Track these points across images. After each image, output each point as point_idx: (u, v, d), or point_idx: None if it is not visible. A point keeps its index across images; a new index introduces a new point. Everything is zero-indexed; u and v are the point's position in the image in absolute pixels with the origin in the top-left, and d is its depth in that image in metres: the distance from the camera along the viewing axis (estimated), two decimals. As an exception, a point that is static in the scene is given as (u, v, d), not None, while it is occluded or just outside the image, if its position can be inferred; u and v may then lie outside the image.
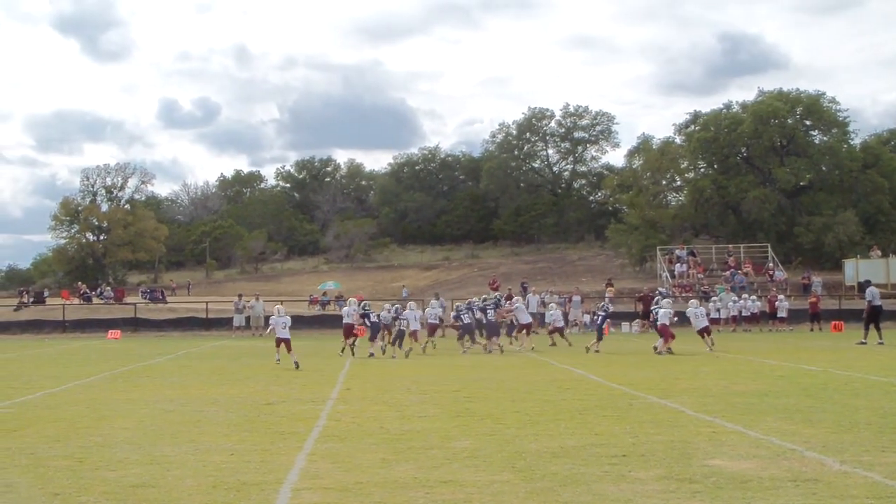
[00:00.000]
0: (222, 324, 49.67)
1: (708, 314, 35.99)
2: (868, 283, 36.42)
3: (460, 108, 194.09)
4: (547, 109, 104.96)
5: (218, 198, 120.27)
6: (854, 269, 56.35)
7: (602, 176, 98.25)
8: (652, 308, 34.60)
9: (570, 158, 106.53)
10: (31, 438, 13.34)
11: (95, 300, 61.09)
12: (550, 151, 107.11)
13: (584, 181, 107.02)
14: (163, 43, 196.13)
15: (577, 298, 48.73)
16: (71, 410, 16.66)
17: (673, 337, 30.49)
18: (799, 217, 67.98)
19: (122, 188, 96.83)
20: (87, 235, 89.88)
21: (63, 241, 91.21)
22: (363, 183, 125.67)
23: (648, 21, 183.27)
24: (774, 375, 22.05)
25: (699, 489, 9.45)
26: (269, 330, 28.39)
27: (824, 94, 71.88)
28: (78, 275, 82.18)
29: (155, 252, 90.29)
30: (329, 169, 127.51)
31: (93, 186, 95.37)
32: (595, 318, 34.78)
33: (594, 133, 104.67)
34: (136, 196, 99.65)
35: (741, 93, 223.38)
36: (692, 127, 75.70)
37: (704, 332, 31.60)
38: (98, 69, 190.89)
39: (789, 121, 69.85)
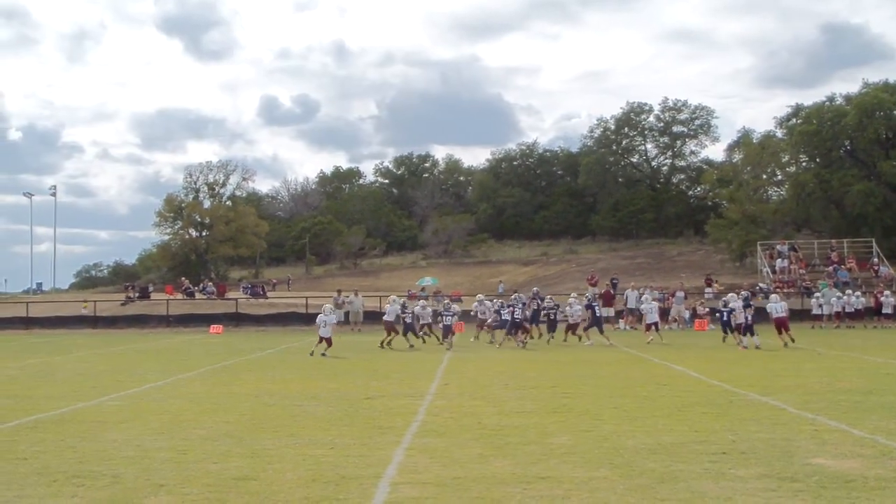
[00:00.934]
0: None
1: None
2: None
3: (558, 104, 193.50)
4: (645, 104, 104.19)
5: (317, 194, 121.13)
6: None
7: (701, 171, 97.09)
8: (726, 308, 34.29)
9: (669, 153, 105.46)
10: (137, 430, 13.60)
11: (198, 295, 61.97)
12: (649, 146, 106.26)
13: (683, 176, 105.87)
14: (263, 41, 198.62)
15: (680, 294, 48.17)
16: (175, 404, 16.95)
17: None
18: (905, 211, 66.49)
19: (223, 185, 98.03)
20: (190, 232, 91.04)
21: (167, 238, 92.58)
22: (461, 179, 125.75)
23: (749, 13, 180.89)
24: (880, 373, 21.65)
25: (801, 488, 9.31)
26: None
27: (932, 84, 70.14)
28: (181, 270, 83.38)
29: (256, 248, 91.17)
30: (427, 165, 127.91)
31: (195, 183, 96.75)
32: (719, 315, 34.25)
33: (693, 127, 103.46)
34: (238, 193, 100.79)
35: (844, 85, 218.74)
36: (794, 120, 74.41)
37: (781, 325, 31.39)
38: (200, 68, 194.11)
39: (895, 113, 68.28)
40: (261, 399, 17.43)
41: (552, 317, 35.82)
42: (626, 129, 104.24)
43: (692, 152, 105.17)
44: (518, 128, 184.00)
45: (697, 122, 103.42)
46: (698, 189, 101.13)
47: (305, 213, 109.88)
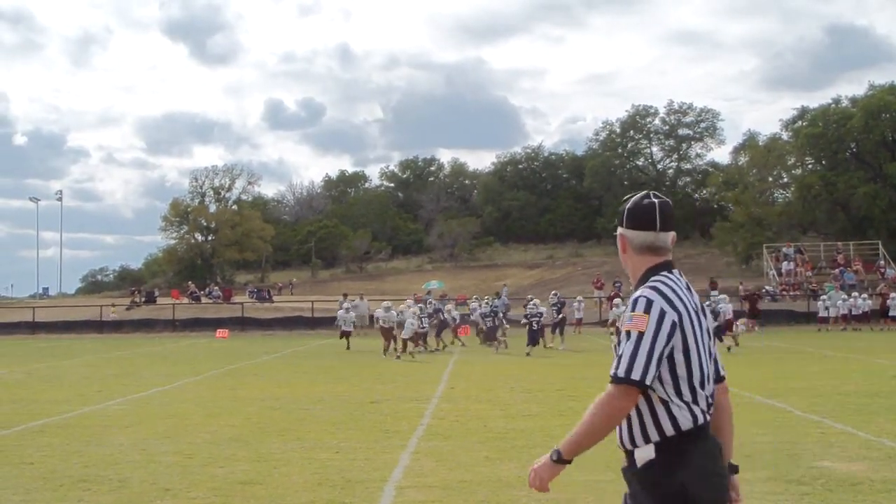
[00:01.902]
0: (327, 323, 50.10)
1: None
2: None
3: (563, 106, 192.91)
4: (651, 106, 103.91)
5: (323, 198, 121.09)
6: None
7: (707, 173, 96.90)
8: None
9: (675, 156, 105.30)
10: (143, 434, 13.62)
11: (204, 299, 62.09)
12: (654, 149, 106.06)
13: (688, 179, 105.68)
14: (268, 45, 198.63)
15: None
16: (181, 407, 16.98)
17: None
18: (911, 213, 66.38)
19: (229, 189, 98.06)
20: (195, 236, 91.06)
21: (173, 242, 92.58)
22: (466, 182, 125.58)
23: (753, 15, 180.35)
24: (886, 375, 21.62)
25: (808, 491, 9.31)
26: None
27: (939, 86, 70.01)
28: (187, 274, 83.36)
29: (261, 252, 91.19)
30: (433, 168, 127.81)
31: (201, 187, 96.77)
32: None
33: (698, 130, 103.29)
34: (244, 196, 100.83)
35: (850, 87, 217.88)
36: (799, 123, 74.30)
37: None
38: (205, 72, 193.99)
39: (902, 115, 68.16)
40: (267, 403, 17.46)
41: (534, 326, 31.30)
42: (631, 132, 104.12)
43: (698, 155, 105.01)
44: (523, 131, 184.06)
45: (703, 124, 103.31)
46: (704, 192, 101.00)
47: (311, 217, 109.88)
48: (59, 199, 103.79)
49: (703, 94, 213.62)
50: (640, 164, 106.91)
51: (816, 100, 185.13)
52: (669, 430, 4.09)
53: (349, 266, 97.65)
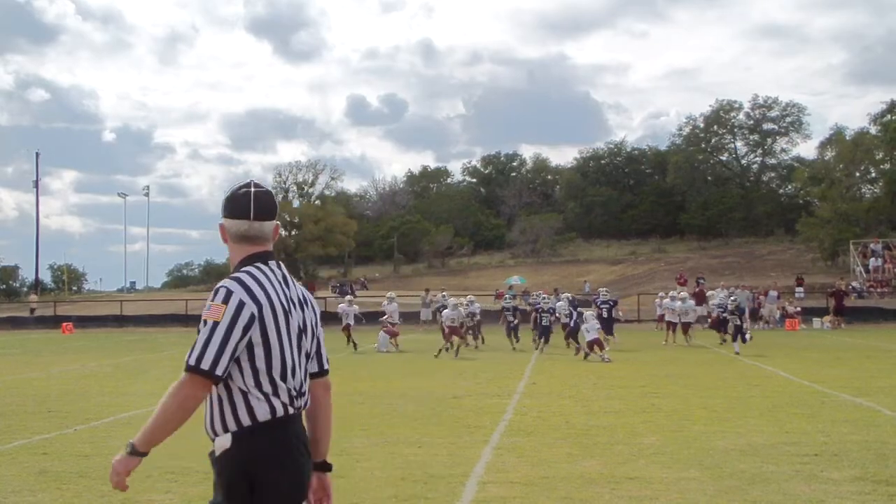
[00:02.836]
0: (410, 318, 50.25)
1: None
2: None
3: (646, 102, 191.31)
4: (735, 101, 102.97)
5: (405, 193, 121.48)
6: None
7: (792, 168, 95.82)
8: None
9: (759, 151, 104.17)
10: (228, 428, 13.76)
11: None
12: (739, 144, 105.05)
13: (773, 174, 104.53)
14: (351, 42, 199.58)
15: (773, 293, 47.66)
16: (265, 401, 17.13)
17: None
18: None
19: (312, 184, 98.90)
20: (279, 231, 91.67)
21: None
22: (549, 178, 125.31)
23: (841, 7, 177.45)
24: (978, 374, 21.21)
25: (896, 492, 9.16)
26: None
27: None
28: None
29: (344, 247, 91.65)
30: (515, 164, 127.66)
31: (285, 183, 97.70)
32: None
33: (784, 125, 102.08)
34: (327, 192, 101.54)
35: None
36: (888, 116, 73.12)
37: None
38: (289, 69, 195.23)
39: None
40: (350, 398, 17.54)
41: (545, 322, 30.48)
42: (715, 127, 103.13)
43: (783, 150, 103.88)
44: (606, 126, 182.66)
45: (788, 119, 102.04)
46: (789, 187, 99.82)
47: (393, 213, 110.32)
48: (147, 195, 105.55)
49: (788, 89, 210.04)
50: (724, 159, 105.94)
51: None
52: (246, 420, 4.07)
53: (431, 261, 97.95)
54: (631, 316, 45.97)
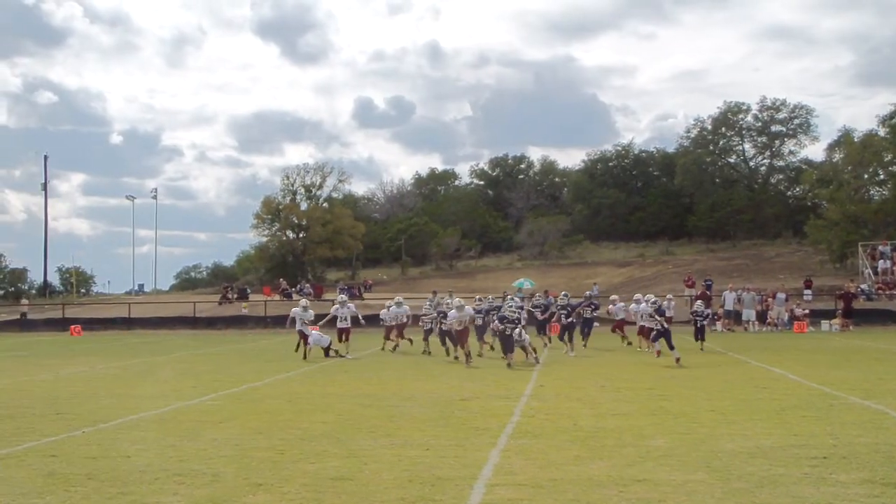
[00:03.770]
0: (417, 320, 50.18)
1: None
2: None
3: (653, 104, 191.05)
4: (743, 103, 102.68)
5: (413, 195, 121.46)
6: None
7: (800, 171, 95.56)
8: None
9: (767, 153, 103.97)
10: (236, 430, 13.80)
11: (295, 296, 62.61)
12: (746, 146, 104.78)
13: (781, 176, 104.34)
14: (357, 44, 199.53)
15: (781, 296, 47.59)
16: (272, 404, 17.17)
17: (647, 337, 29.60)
18: None
19: (320, 187, 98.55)
20: (287, 233, 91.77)
21: (265, 239, 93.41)
22: (556, 180, 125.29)
23: (848, 9, 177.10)
24: None
25: (905, 494, 9.15)
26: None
27: None
28: (279, 272, 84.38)
29: (352, 249, 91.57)
30: (522, 166, 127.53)
31: (292, 185, 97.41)
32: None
33: (792, 127, 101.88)
34: (334, 194, 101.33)
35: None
36: (897, 118, 72.99)
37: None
38: (296, 71, 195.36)
39: None
40: (357, 400, 17.58)
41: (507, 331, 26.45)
42: (723, 129, 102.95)
43: (791, 152, 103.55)
44: (613, 128, 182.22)
45: (796, 121, 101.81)
46: (797, 189, 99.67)
47: (401, 215, 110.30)
48: (154, 198, 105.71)
49: (796, 91, 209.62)
50: (732, 161, 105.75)
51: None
52: None
53: (439, 264, 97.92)
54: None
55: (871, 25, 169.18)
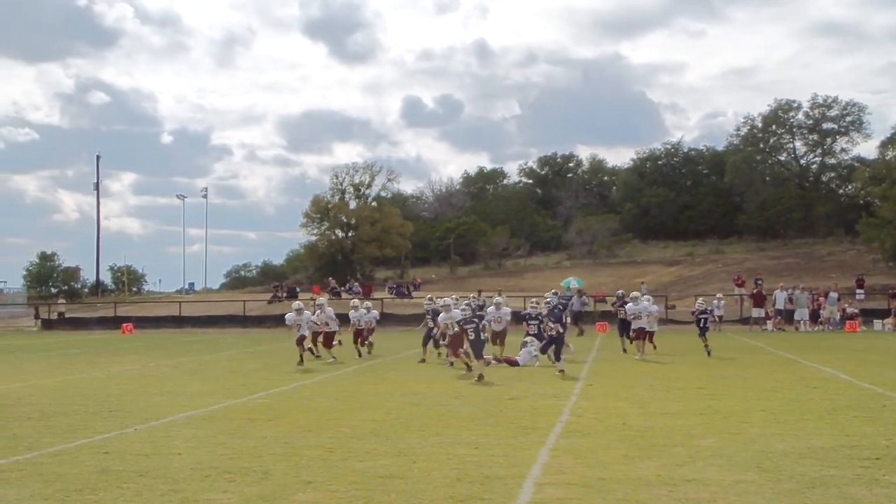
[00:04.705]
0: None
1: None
2: None
3: (703, 102, 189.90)
4: (794, 101, 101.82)
5: (462, 194, 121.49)
6: None
7: (853, 168, 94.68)
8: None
9: (819, 151, 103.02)
10: (286, 428, 13.87)
11: (344, 295, 62.79)
12: (797, 144, 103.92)
13: (833, 174, 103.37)
14: (405, 43, 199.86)
15: (833, 295, 47.13)
16: (322, 402, 17.24)
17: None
18: None
19: (369, 186, 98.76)
20: (336, 232, 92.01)
21: (314, 238, 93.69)
22: (605, 178, 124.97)
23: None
24: None
25: (957, 495, 9.04)
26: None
27: None
28: (328, 270, 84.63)
29: (401, 248, 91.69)
30: (571, 165, 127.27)
31: (341, 184, 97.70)
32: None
33: (844, 124, 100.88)
34: (383, 193, 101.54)
35: None
36: (951, 115, 72.18)
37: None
38: (345, 71, 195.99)
39: None
40: (406, 398, 17.61)
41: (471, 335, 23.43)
42: (773, 127, 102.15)
43: (843, 150, 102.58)
44: (663, 126, 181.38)
45: (848, 118, 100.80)
46: (849, 187, 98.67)
47: (450, 214, 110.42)
48: (205, 197, 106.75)
49: (848, 88, 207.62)
50: (783, 159, 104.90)
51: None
52: None
53: (488, 263, 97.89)
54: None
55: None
